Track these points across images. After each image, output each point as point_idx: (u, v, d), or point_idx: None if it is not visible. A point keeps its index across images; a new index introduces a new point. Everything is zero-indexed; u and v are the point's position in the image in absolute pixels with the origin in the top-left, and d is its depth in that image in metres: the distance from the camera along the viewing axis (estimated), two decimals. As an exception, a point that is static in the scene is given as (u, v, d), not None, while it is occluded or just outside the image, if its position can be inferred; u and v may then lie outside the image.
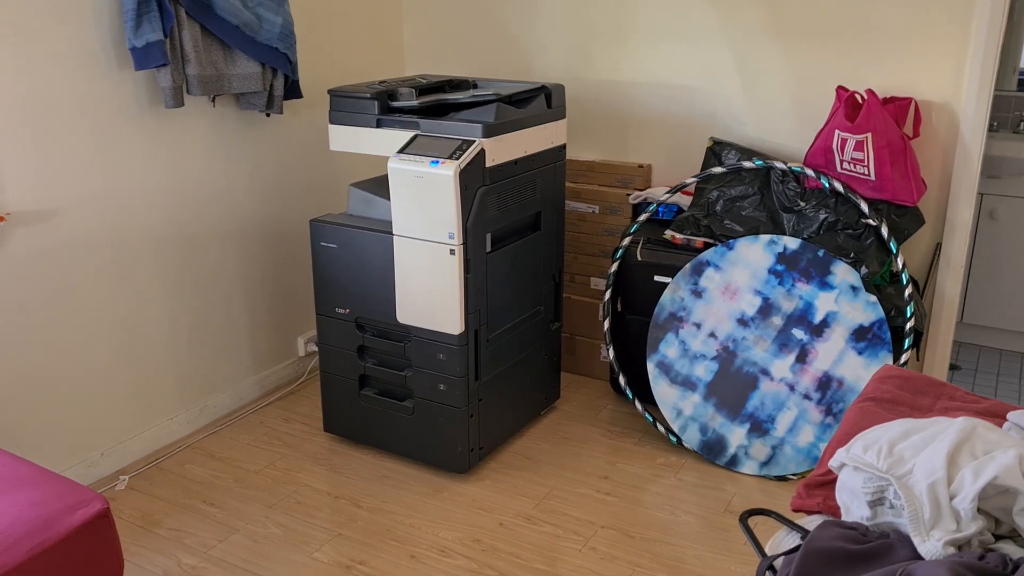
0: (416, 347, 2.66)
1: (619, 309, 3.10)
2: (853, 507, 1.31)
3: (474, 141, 2.47)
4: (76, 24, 2.43)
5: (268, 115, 3.06)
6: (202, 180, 2.90)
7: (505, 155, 2.58)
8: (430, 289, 2.55)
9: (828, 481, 1.52)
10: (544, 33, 3.41)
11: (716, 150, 3.04)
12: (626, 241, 3.03)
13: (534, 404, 3.05)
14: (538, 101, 2.74)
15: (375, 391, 2.82)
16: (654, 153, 3.33)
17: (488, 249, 2.59)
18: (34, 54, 2.35)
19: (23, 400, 2.48)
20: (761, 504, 2.64)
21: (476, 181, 2.48)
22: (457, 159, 2.42)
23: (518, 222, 2.76)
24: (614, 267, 3.04)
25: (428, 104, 2.67)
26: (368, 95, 2.64)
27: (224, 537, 2.47)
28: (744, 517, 1.46)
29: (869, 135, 2.62)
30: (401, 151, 2.52)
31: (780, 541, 1.42)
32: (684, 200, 3.13)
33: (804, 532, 1.38)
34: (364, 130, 2.66)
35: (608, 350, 3.07)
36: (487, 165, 2.50)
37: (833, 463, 1.38)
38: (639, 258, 3.00)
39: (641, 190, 3.25)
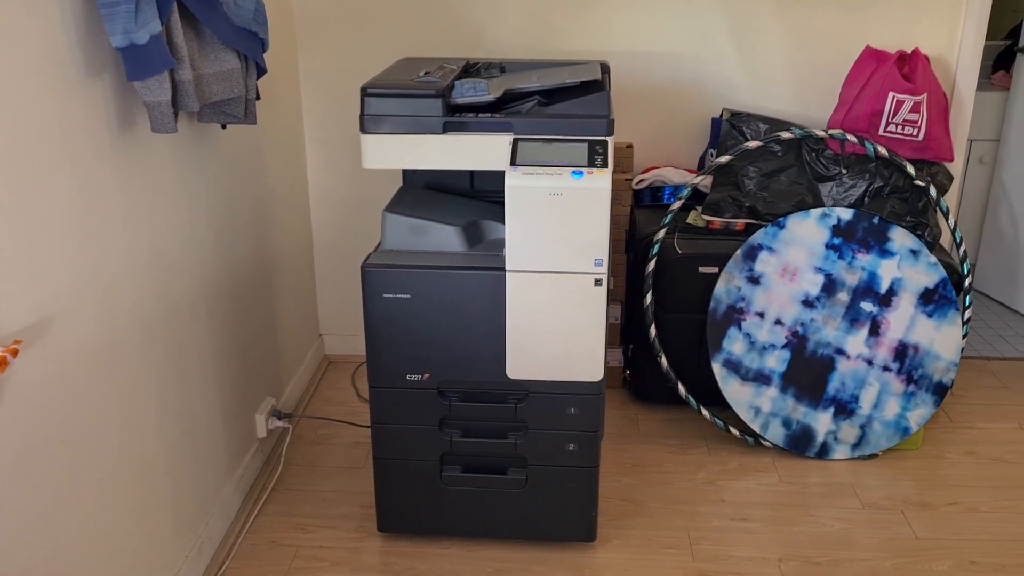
0: (535, 405, 2.11)
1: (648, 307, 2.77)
2: None
3: (606, 141, 1.97)
4: (29, 14, 1.47)
5: (224, 127, 2.20)
6: (175, 230, 2.00)
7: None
8: (565, 332, 2.02)
9: None
10: (491, -1, 2.87)
11: (734, 123, 2.79)
12: (661, 234, 2.69)
13: (592, 435, 2.62)
14: (605, 82, 2.28)
15: (459, 468, 2.21)
16: (633, 131, 2.99)
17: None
18: (-14, 66, 1.38)
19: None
20: (872, 484, 2.52)
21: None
22: (604, 166, 1.91)
23: (603, 231, 2.29)
24: (651, 265, 2.69)
25: (498, 97, 2.08)
26: (431, 91, 1.98)
27: None
28: None
29: (926, 95, 2.56)
30: (514, 163, 1.93)
31: None
32: (694, 181, 2.85)
33: None
34: (426, 138, 1.99)
35: (660, 358, 2.73)
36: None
37: None
38: (678, 251, 2.68)
39: (644, 173, 2.91)
